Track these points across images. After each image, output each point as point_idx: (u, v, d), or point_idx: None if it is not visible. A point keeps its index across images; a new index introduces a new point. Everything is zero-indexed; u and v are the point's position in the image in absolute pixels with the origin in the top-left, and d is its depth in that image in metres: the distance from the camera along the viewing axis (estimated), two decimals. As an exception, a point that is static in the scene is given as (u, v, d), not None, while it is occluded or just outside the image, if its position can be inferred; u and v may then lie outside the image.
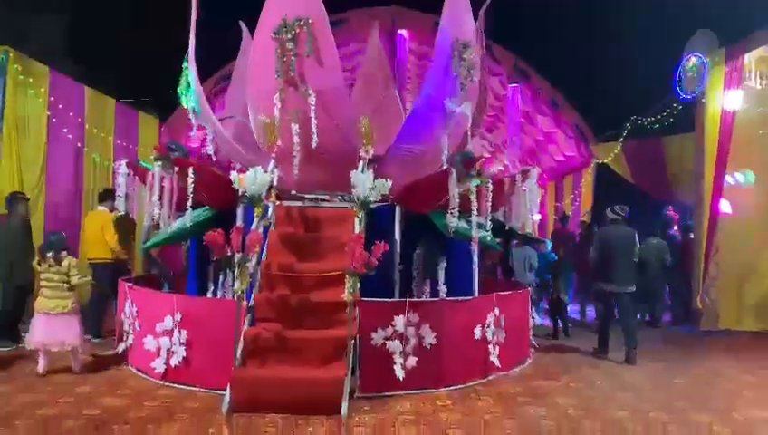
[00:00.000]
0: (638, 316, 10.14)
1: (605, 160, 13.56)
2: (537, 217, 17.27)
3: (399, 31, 13.41)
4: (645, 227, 10.45)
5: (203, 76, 7.52)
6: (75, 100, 9.81)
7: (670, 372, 6.36)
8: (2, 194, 7.72)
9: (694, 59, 9.11)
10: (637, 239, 7.10)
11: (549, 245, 10.10)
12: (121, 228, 7.52)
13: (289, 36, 5.70)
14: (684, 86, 9.38)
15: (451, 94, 6.28)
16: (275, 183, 5.92)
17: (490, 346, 5.85)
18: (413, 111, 6.65)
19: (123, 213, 6.42)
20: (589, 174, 14.98)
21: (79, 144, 9.80)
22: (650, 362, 6.81)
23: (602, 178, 14.36)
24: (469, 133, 6.75)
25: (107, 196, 7.73)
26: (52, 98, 9.08)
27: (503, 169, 17.97)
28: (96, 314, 7.46)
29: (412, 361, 5.21)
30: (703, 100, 9.08)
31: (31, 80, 8.68)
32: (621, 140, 12.80)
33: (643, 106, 11.76)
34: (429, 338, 5.30)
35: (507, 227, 6.86)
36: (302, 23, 5.67)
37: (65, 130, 9.39)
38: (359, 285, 4.89)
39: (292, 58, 5.74)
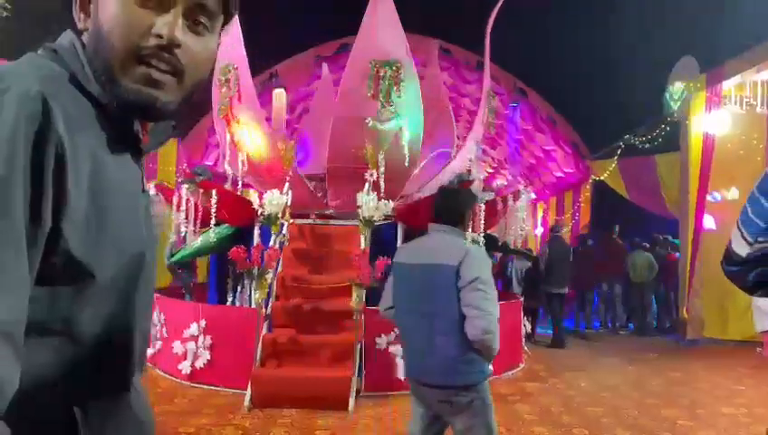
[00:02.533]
0: (630, 325, 10.75)
1: (601, 177, 14.15)
2: (539, 230, 17.93)
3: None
4: (640, 240, 11.08)
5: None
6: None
7: (649, 375, 6.94)
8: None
9: (678, 83, 9.73)
10: (571, 253, 8.70)
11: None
12: None
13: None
14: (669, 109, 9.99)
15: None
16: (289, 203, 6.57)
17: (483, 351, 6.43)
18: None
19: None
20: (587, 190, 15.59)
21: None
22: (632, 367, 7.40)
23: (600, 193, 14.97)
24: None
25: None
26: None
27: (506, 183, 18.64)
28: None
29: (412, 363, 5.81)
30: (687, 122, 9.69)
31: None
32: (616, 157, 13.39)
33: (635, 125, 12.36)
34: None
35: (501, 243, 7.47)
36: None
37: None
38: (364, 295, 5.54)
39: None
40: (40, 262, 0.76)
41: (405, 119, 6.58)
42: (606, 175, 13.97)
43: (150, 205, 1.02)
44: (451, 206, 2.79)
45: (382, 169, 6.32)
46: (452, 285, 2.52)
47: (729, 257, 1.27)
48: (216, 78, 6.96)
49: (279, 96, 11.43)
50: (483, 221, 6.45)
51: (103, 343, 0.85)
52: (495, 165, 18.68)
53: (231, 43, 6.79)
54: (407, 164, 6.47)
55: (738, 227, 1.24)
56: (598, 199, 15.25)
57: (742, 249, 1.22)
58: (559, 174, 16.60)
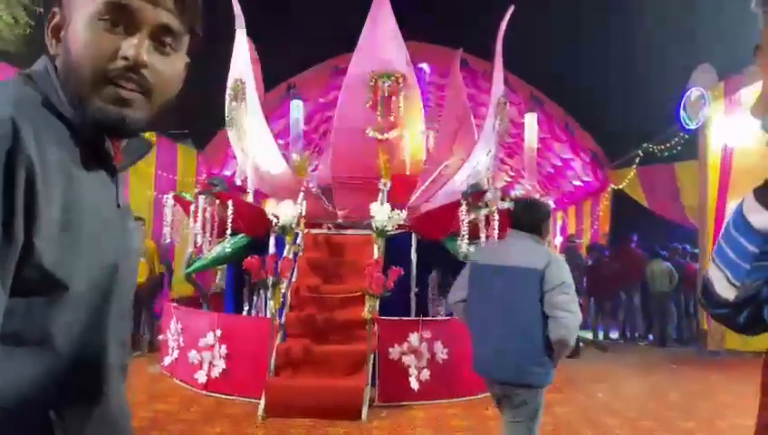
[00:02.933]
0: (650, 336, 10.60)
1: (620, 186, 14.03)
2: (558, 239, 17.80)
3: (420, 65, 14.18)
4: (660, 249, 10.96)
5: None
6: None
7: (667, 387, 6.85)
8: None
9: (696, 92, 9.63)
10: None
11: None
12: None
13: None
14: (687, 118, 9.89)
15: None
16: (304, 213, 6.64)
17: (498, 361, 6.41)
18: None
19: (168, 240, 7.17)
20: (606, 199, 15.46)
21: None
22: (651, 378, 7.30)
23: (619, 202, 14.83)
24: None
25: None
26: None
27: (523, 192, 18.56)
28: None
29: (426, 374, 5.82)
30: (705, 130, 9.58)
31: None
32: (634, 166, 13.26)
33: (653, 133, 12.25)
34: (441, 353, 5.90)
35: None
36: None
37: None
38: (377, 304, 5.56)
39: None
40: (14, 276, 0.80)
41: (406, 129, 6.62)
42: (625, 183, 13.86)
43: (128, 218, 1.07)
44: (532, 216, 3.05)
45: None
46: (535, 287, 2.76)
47: (713, 299, 1.23)
48: (228, 92, 7.05)
49: (296, 108, 11.61)
50: (496, 230, 6.44)
51: (77, 351, 0.89)
52: (513, 174, 18.63)
53: (241, 60, 6.88)
54: (407, 173, 6.49)
55: (720, 269, 1.20)
56: (617, 208, 15.12)
57: (728, 292, 1.19)
58: (577, 183, 16.49)
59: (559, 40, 15.43)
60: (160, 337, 7.29)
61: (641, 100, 12.84)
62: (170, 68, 0.97)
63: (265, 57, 8.77)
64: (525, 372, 2.82)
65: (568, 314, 2.71)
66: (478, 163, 7.65)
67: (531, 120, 15.56)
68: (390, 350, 5.75)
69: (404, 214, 6.26)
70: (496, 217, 6.47)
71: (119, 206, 1.02)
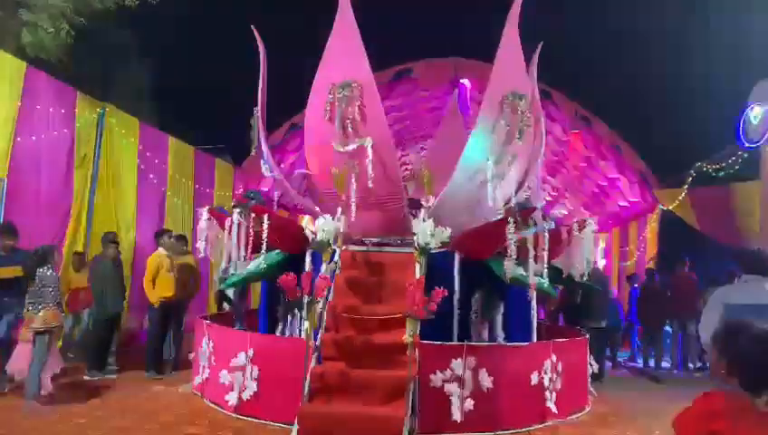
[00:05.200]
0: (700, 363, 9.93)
1: (670, 207, 13.38)
2: (602, 263, 17.11)
3: (462, 80, 13.92)
4: (714, 274, 10.32)
5: (275, 124, 8.17)
6: (160, 148, 10.71)
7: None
8: (99, 234, 8.53)
9: (757, 108, 9.08)
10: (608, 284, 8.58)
11: (614, 291, 10.10)
12: (180, 274, 8.08)
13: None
14: (748, 135, 9.32)
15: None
16: (342, 230, 6.34)
17: (547, 392, 5.97)
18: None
19: (203, 255, 6.96)
20: (654, 220, 14.80)
21: (163, 189, 10.65)
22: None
23: (668, 224, 14.16)
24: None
25: (161, 235, 8.26)
26: (141, 147, 9.99)
27: (566, 213, 17.98)
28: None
29: (469, 403, 5.40)
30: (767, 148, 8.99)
31: (124, 131, 9.61)
32: (686, 186, 12.64)
33: (708, 152, 11.64)
34: (486, 382, 5.49)
35: (565, 275, 6.99)
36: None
37: (152, 176, 10.25)
38: (418, 327, 5.19)
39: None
40: None
41: (368, 139, 6.27)
42: (675, 204, 13.21)
43: None
44: None
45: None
46: None
47: None
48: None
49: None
50: (546, 252, 6.03)
51: None
52: (555, 193, 18.08)
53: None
54: (370, 185, 6.15)
55: None
56: (665, 231, 14.44)
57: None
58: (623, 203, 15.85)
59: (605, 54, 14.95)
60: (191, 355, 7.06)
61: (694, 117, 12.25)
62: None
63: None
64: None
65: None
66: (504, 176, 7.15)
67: (575, 138, 15.16)
68: (432, 377, 5.37)
69: (448, 231, 5.90)
70: (546, 236, 6.08)
71: None
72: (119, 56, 13.99)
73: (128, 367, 7.93)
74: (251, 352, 5.85)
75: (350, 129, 6.31)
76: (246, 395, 5.79)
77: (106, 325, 7.73)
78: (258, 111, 7.46)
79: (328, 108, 6.39)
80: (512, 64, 6.79)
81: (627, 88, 14.92)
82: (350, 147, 6.34)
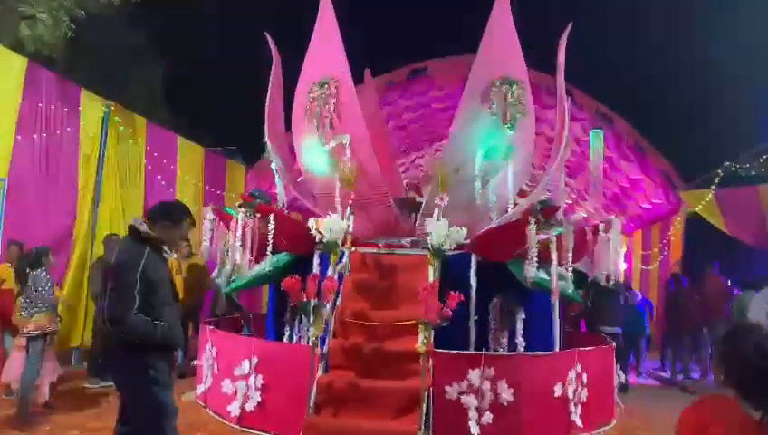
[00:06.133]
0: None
1: (695, 209, 12.85)
2: (623, 266, 16.57)
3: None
4: (745, 278, 9.81)
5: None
6: (169, 148, 10.45)
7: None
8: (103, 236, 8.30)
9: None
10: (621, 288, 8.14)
11: (638, 296, 9.64)
12: (191, 276, 7.80)
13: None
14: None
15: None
16: (351, 230, 5.99)
17: (571, 405, 5.54)
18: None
19: (207, 258, 6.65)
20: (678, 222, 14.26)
21: (171, 190, 10.38)
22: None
23: (693, 227, 13.62)
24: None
25: None
26: (149, 147, 9.73)
27: (585, 215, 17.45)
28: None
29: (488, 417, 5.00)
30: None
31: (130, 130, 9.35)
32: (713, 187, 12.10)
33: (737, 151, 11.12)
34: (506, 394, 5.09)
35: (590, 279, 6.57)
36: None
37: (159, 177, 9.99)
38: (432, 335, 4.81)
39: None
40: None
41: (346, 137, 6.09)
42: (701, 206, 12.67)
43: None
44: None
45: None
46: None
47: None
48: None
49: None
50: (570, 253, 5.62)
51: None
52: (575, 195, 17.57)
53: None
54: (351, 180, 5.86)
55: None
56: (690, 233, 13.90)
57: None
58: (646, 205, 15.31)
59: (628, 50, 14.44)
60: (194, 362, 6.75)
61: (721, 116, 11.71)
62: None
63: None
64: None
65: None
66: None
67: (596, 138, 14.66)
68: (447, 388, 4.97)
69: (464, 231, 5.51)
70: (571, 237, 5.67)
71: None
72: (126, 53, 13.78)
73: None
74: (255, 360, 5.52)
75: (327, 126, 6.15)
76: (250, 406, 5.45)
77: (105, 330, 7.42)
78: (269, 144, 7.16)
79: (308, 106, 6.26)
80: (502, 48, 6.28)
81: (649, 85, 14.40)
82: (330, 145, 6.16)
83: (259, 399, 5.40)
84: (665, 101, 13.92)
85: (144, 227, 3.40)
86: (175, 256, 7.90)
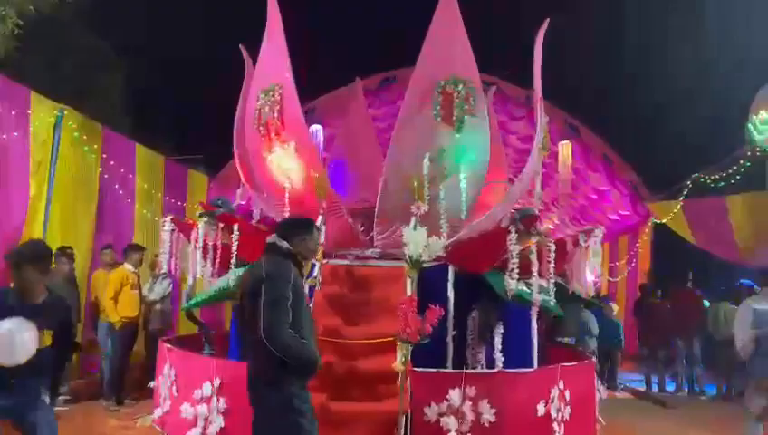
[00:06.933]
0: (712, 389, 9.34)
1: (663, 220, 12.86)
2: (590, 277, 16.57)
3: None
4: (716, 291, 9.79)
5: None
6: (127, 157, 9.92)
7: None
8: (54, 248, 7.74)
9: (763, 112, 8.59)
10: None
11: (615, 309, 9.51)
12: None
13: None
14: (755, 140, 8.83)
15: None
16: (321, 240, 5.62)
17: (555, 424, 5.26)
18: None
19: (164, 271, 6.21)
20: (646, 234, 14.30)
21: (129, 200, 9.85)
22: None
23: (661, 238, 13.67)
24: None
25: (132, 250, 7.63)
26: (105, 155, 9.19)
27: (552, 227, 17.42)
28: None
29: (469, 439, 4.69)
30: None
31: (85, 137, 8.80)
32: (681, 198, 12.12)
33: (706, 162, 11.14)
34: (488, 414, 4.78)
35: (572, 291, 6.34)
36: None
37: (116, 186, 9.45)
38: (410, 353, 4.47)
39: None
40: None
41: (291, 144, 5.86)
42: (669, 218, 12.69)
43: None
44: None
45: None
46: None
47: None
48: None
49: (315, 133, 10.78)
50: (552, 264, 5.38)
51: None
52: (542, 207, 17.53)
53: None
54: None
55: None
56: (659, 245, 13.94)
57: None
58: (614, 217, 15.34)
59: (596, 61, 14.45)
60: (151, 384, 6.27)
61: (690, 127, 11.76)
62: None
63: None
64: None
65: None
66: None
67: (564, 149, 14.62)
68: (426, 410, 4.64)
69: (442, 242, 5.21)
70: (552, 248, 5.43)
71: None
72: (83, 57, 13.16)
73: (83, 396, 7.13)
74: (217, 382, 5.10)
75: (272, 134, 5.88)
76: (212, 431, 5.04)
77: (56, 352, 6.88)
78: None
79: (255, 115, 6.01)
80: (447, 47, 5.84)
81: (617, 96, 14.44)
82: (275, 153, 5.93)
83: (222, 424, 4.99)
84: (632, 112, 13.97)
85: (285, 244, 3.42)
86: (134, 269, 7.44)
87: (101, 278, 7.68)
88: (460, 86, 5.67)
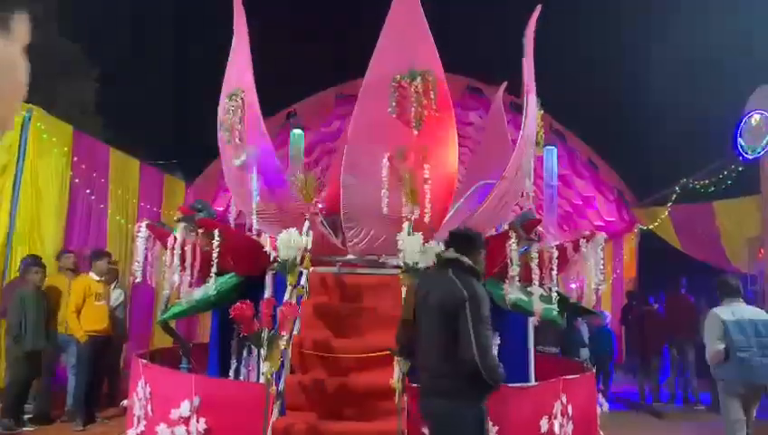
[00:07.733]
0: (707, 398, 9.13)
1: (649, 226, 12.74)
2: (573, 285, 16.42)
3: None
4: (705, 297, 9.61)
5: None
6: (100, 160, 9.46)
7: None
8: (20, 255, 7.27)
9: (756, 116, 8.47)
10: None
11: (607, 317, 9.26)
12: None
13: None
14: (745, 146, 8.70)
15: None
16: (310, 247, 5.27)
17: (558, 441, 4.97)
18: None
19: (139, 280, 5.78)
20: (632, 240, 14.19)
21: (102, 205, 9.38)
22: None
23: (647, 245, 13.55)
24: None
25: (99, 256, 7.17)
26: (76, 158, 8.72)
27: (540, 234, 17.24)
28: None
29: (470, 460, 4.35)
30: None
31: (54, 139, 8.34)
32: (669, 204, 12.00)
33: (694, 167, 11.03)
34: (490, 432, 4.46)
35: (572, 301, 6.07)
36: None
37: (88, 191, 8.98)
38: (408, 367, 4.14)
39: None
40: None
41: (252, 148, 5.59)
42: (656, 224, 12.57)
43: None
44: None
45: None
46: None
47: None
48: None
49: (297, 137, 10.45)
50: (555, 271, 5.10)
51: None
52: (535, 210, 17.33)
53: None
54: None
55: None
56: (645, 251, 13.82)
57: None
58: (599, 223, 15.21)
59: (582, 65, 14.34)
60: (124, 402, 5.83)
61: (681, 129, 11.65)
62: None
63: (265, 83, 7.75)
64: None
65: None
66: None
67: (549, 155, 14.46)
68: (425, 430, 4.28)
69: (439, 247, 4.88)
70: (555, 253, 5.15)
71: None
72: (55, 60, 12.66)
73: (50, 415, 6.65)
74: (197, 401, 4.69)
75: (237, 140, 5.59)
76: (190, 455, 4.62)
77: (25, 365, 6.42)
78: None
79: (221, 120, 5.79)
80: (404, 41, 5.42)
81: (604, 101, 14.33)
82: (241, 159, 5.61)
83: (202, 447, 4.58)
84: (618, 117, 13.87)
85: (467, 260, 3.34)
86: (98, 278, 7.00)
87: (60, 284, 7.14)
88: (417, 79, 5.27)
